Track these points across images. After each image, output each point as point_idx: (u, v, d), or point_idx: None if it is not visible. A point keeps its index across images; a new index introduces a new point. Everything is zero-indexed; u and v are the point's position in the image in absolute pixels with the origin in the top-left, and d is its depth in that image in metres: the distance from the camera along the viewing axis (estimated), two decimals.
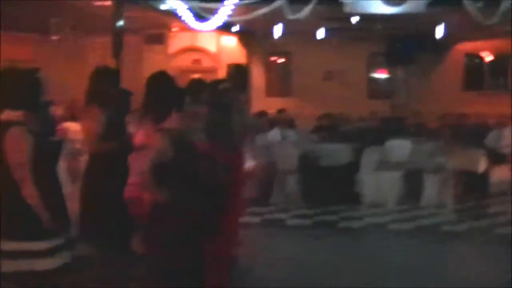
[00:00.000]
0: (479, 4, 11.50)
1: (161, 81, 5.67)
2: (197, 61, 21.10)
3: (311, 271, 8.65)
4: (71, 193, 6.56)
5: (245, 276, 8.40)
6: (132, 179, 6.31)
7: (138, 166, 5.72)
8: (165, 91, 5.50)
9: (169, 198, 5.07)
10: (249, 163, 9.44)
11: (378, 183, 13.25)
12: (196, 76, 17.96)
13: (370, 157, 13.37)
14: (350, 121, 16.44)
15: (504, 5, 11.31)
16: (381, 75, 19.33)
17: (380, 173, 13.35)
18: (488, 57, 19.56)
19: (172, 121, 5.26)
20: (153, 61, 18.42)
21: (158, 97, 5.45)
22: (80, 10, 14.06)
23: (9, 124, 4.85)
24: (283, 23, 16.13)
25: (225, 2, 13.59)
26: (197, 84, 7.93)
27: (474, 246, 10.72)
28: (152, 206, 5.18)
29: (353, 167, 13.32)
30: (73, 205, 6.00)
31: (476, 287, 8.15)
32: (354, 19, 14.92)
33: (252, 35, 20.27)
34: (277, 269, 8.76)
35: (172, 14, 14.84)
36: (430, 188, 13.16)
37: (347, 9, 12.98)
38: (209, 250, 5.44)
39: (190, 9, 14.39)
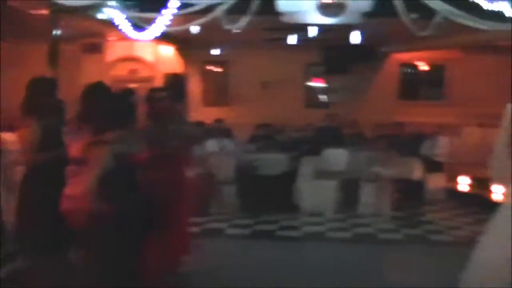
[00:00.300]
0: (414, 16, 11.64)
1: (97, 92, 5.59)
2: (134, 71, 20.91)
3: (250, 280, 8.61)
4: (7, 204, 6.42)
5: (185, 285, 8.34)
6: (69, 190, 6.18)
7: (77, 178, 5.62)
8: (101, 102, 5.41)
9: (112, 210, 4.99)
10: (188, 173, 9.36)
11: (315, 192, 13.31)
12: (133, 85, 17.86)
13: (307, 166, 13.44)
14: (287, 130, 16.48)
15: (438, 17, 11.46)
16: (318, 84, 19.45)
17: (318, 182, 13.41)
18: (423, 68, 19.85)
19: (110, 132, 5.18)
20: (91, 70, 18.20)
21: (95, 108, 5.36)
22: (18, 17, 13.82)
23: None
24: (221, 32, 16.08)
25: (162, 12, 13.50)
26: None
27: (410, 253, 10.84)
28: (93, 217, 5.09)
29: (291, 176, 13.36)
30: (9, 217, 5.87)
31: None
32: (291, 30, 15.02)
33: (189, 44, 20.19)
34: (216, 278, 8.70)
35: (109, 24, 14.67)
36: (367, 196, 13.28)
37: (285, 19, 13.00)
38: (151, 259, 5.37)
39: (128, 18, 14.26)
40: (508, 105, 6.88)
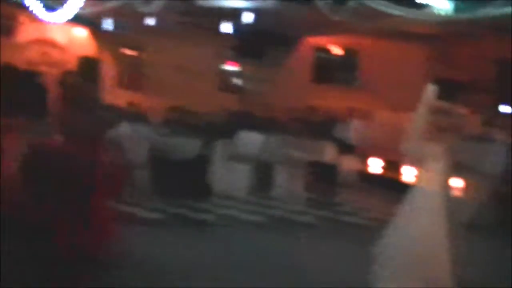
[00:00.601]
0: (329, 0, 11.73)
1: (4, 76, 5.44)
2: (46, 54, 20.48)
3: (163, 264, 8.54)
4: None
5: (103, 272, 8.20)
6: None
7: None
8: (9, 86, 5.27)
9: (29, 198, 4.88)
10: (101, 158, 9.21)
11: (228, 176, 13.30)
12: (45, 68, 17.49)
13: (220, 150, 13.41)
14: (201, 114, 16.39)
15: (352, 2, 11.58)
16: (232, 68, 19.41)
17: (231, 166, 13.41)
18: (337, 52, 20.03)
19: (21, 120, 5.05)
20: (1, 53, 17.75)
21: (2, 92, 5.22)
22: None
23: None
24: (135, 16, 15.88)
25: None
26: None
27: (322, 235, 10.95)
28: (12, 205, 4.96)
29: (204, 160, 13.31)
30: None
31: (324, 274, 8.31)
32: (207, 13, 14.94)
33: (103, 27, 19.87)
34: (130, 264, 8.59)
35: (20, 4, 14.32)
36: (280, 179, 13.36)
37: (199, 3, 12.94)
38: (69, 245, 5.27)
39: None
40: (429, 87, 7.02)
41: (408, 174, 12.71)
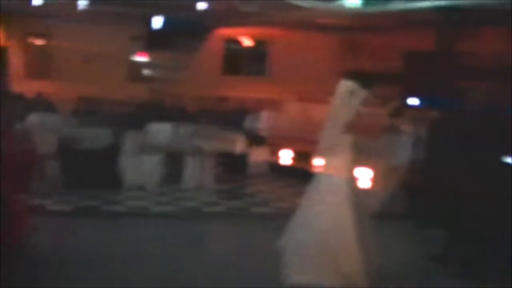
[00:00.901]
0: None
1: None
2: None
3: (74, 256, 8.42)
4: None
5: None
6: None
7: None
8: None
9: None
10: (10, 148, 9.01)
11: (139, 167, 13.20)
12: None
13: (130, 140, 13.27)
14: (110, 104, 16.21)
15: None
16: (142, 58, 19.25)
17: (141, 157, 13.31)
18: (247, 43, 20.10)
19: None
20: None
21: None
22: None
23: None
24: (44, 4, 15.56)
25: None
26: None
27: (233, 225, 11.01)
28: None
29: (114, 150, 13.17)
30: None
31: (235, 264, 8.37)
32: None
33: (10, 14, 19.36)
34: (41, 256, 8.45)
35: None
36: (191, 170, 13.35)
37: None
38: None
39: None
40: (342, 82, 7.13)
41: (318, 164, 12.89)
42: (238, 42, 20.41)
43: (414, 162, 11.47)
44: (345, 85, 7.12)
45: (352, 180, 7.31)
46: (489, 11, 12.24)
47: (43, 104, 15.10)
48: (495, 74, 14.44)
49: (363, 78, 7.45)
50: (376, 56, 18.38)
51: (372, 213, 11.10)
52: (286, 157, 15.65)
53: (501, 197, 8.34)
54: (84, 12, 16.44)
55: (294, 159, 15.47)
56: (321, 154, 7.32)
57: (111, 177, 12.93)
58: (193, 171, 13.30)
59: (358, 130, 7.05)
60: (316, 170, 7.49)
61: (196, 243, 9.58)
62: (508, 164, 9.12)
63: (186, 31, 17.40)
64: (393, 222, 11.01)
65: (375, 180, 11.97)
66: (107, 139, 13.34)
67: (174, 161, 13.94)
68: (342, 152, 7.09)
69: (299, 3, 12.32)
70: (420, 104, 11.33)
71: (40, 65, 21.33)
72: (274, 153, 16.01)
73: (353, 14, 13.85)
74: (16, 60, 19.86)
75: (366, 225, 7.27)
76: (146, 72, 19.08)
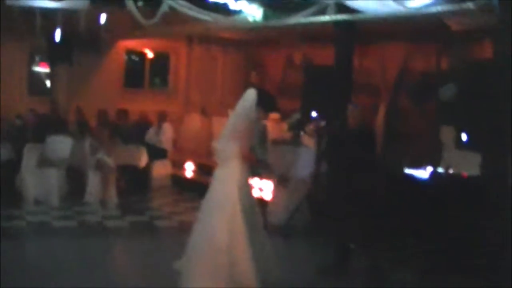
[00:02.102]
0: (140, 4, 11.72)
1: None
2: None
3: None
4: None
5: None
6: None
7: None
8: None
9: None
10: None
11: (40, 181, 12.98)
12: None
13: (30, 154, 13.04)
14: (9, 118, 15.83)
15: (163, 6, 11.65)
16: (42, 70, 18.88)
17: (42, 171, 13.10)
18: (149, 56, 20.01)
19: None
20: None
21: None
22: None
23: None
24: None
25: None
26: None
27: (135, 239, 10.98)
28: None
29: (14, 165, 12.90)
30: None
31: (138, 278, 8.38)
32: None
33: None
34: None
35: None
36: (93, 184, 13.19)
37: (8, 3, 12.48)
38: None
39: None
40: (249, 91, 7.23)
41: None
42: (139, 55, 20.30)
43: (315, 175, 11.67)
44: (251, 94, 7.24)
45: (246, 189, 7.41)
46: (387, 27, 12.60)
47: None
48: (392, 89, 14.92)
49: (262, 92, 7.59)
50: (276, 70, 18.64)
51: (274, 225, 11.37)
52: (188, 170, 15.65)
53: (396, 210, 8.62)
54: None
55: (195, 172, 15.48)
56: (218, 165, 7.42)
57: (10, 192, 12.66)
58: (95, 185, 13.14)
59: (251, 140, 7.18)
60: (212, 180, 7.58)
61: (97, 257, 9.48)
62: (407, 176, 9.44)
63: (87, 43, 17.19)
64: (295, 235, 11.22)
65: (276, 192, 12.13)
66: (6, 153, 13.07)
67: (75, 175, 13.78)
68: (235, 161, 7.18)
69: (200, 16, 12.37)
70: (319, 118, 11.56)
71: None
72: (177, 166, 16.00)
73: (255, 28, 14.00)
74: None
75: (261, 235, 7.39)
76: (46, 84, 18.74)
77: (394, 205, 8.95)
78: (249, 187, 7.58)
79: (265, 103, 7.41)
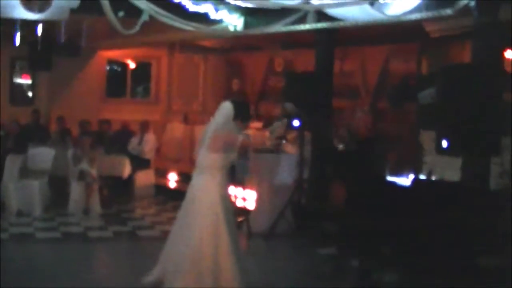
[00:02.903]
0: (121, 14, 11.71)
1: None
2: None
3: None
4: None
5: None
6: None
7: None
8: None
9: None
10: None
11: (22, 192, 12.91)
12: None
13: (12, 164, 12.97)
14: None
15: (143, 16, 11.65)
16: (23, 80, 18.84)
17: (23, 181, 13.04)
18: (131, 65, 20.01)
19: None
20: None
21: None
22: None
23: None
24: None
25: None
26: None
27: (119, 250, 10.98)
28: None
29: None
30: None
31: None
32: None
33: None
34: None
35: None
36: (75, 194, 13.15)
37: None
38: None
39: None
40: (224, 104, 7.29)
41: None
42: (120, 64, 20.30)
43: (297, 182, 11.73)
44: (226, 108, 7.30)
45: (225, 199, 7.43)
46: (367, 30, 12.67)
47: None
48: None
49: (243, 100, 7.70)
50: (257, 77, 18.69)
51: (261, 232, 11.43)
52: (171, 179, 15.65)
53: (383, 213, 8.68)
54: None
55: (178, 181, 15.47)
56: (198, 174, 7.45)
57: None
58: (78, 196, 13.10)
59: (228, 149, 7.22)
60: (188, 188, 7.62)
61: (82, 268, 9.47)
62: (389, 182, 9.50)
63: (69, 52, 17.18)
64: (280, 242, 11.26)
65: (259, 200, 12.16)
66: None
67: (58, 186, 13.76)
68: (212, 170, 7.22)
69: (181, 26, 12.38)
70: (300, 125, 11.60)
71: None
72: (160, 175, 16.00)
73: (236, 36, 14.04)
74: None
75: (237, 243, 7.44)
76: (27, 94, 18.70)
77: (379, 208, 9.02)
78: (228, 195, 7.62)
79: (243, 115, 7.46)
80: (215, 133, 7.29)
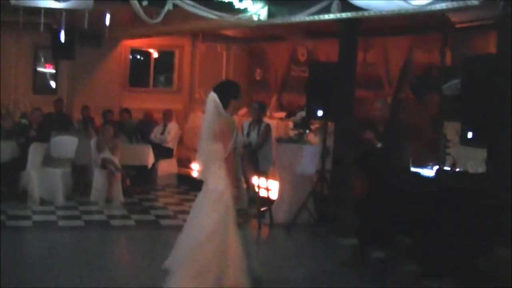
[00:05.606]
0: (145, 3, 11.69)
1: None
2: None
3: None
4: None
5: None
6: None
7: None
8: None
9: None
10: None
11: (45, 180, 12.98)
12: None
13: (35, 153, 13.02)
14: (15, 116, 15.87)
15: (168, 5, 11.64)
16: (46, 69, 18.93)
17: (47, 170, 13.11)
18: (154, 55, 20.03)
19: None
20: None
21: None
22: None
23: None
24: None
25: None
26: None
27: (141, 238, 11.01)
28: None
29: (19, 163, 12.90)
30: None
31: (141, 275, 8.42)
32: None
33: None
34: None
35: None
36: (99, 183, 13.19)
37: (13, 2, 12.47)
38: None
39: None
40: (210, 94, 7.27)
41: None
42: (144, 53, 20.32)
43: (319, 172, 11.71)
44: (211, 99, 7.27)
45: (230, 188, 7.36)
46: (391, 21, 12.58)
47: None
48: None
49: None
50: (281, 67, 18.63)
51: (282, 223, 11.44)
52: (194, 169, 15.66)
53: (406, 203, 8.65)
54: None
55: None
56: (200, 162, 7.40)
57: (16, 191, 12.69)
58: (101, 184, 13.15)
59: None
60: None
61: (102, 256, 9.53)
62: (413, 172, 9.46)
63: (92, 41, 17.25)
64: (302, 232, 11.26)
65: (281, 190, 12.16)
66: (12, 151, 13.09)
67: (80, 174, 13.82)
68: (216, 161, 7.16)
69: (205, 14, 12.36)
70: (324, 115, 11.55)
71: None
72: (182, 164, 16.02)
73: (260, 26, 14.00)
74: None
75: (247, 234, 7.38)
76: (51, 83, 18.77)
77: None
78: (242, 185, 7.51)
79: (231, 96, 7.38)
80: (209, 125, 7.22)
